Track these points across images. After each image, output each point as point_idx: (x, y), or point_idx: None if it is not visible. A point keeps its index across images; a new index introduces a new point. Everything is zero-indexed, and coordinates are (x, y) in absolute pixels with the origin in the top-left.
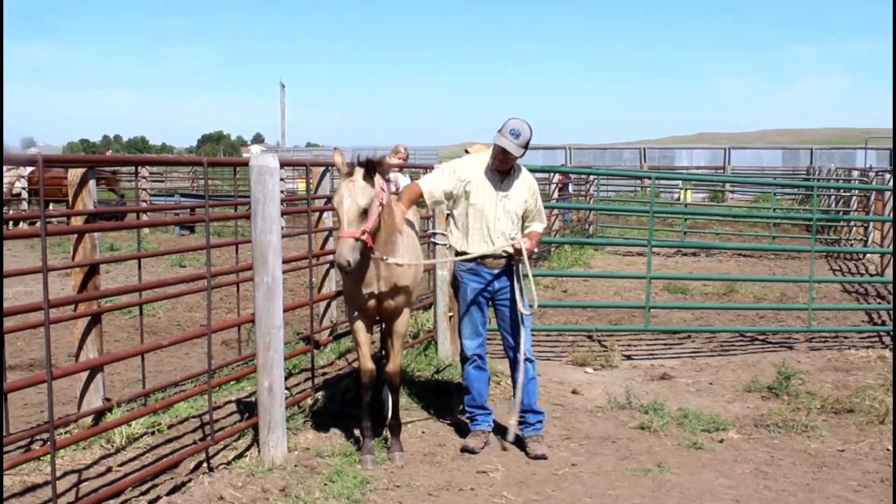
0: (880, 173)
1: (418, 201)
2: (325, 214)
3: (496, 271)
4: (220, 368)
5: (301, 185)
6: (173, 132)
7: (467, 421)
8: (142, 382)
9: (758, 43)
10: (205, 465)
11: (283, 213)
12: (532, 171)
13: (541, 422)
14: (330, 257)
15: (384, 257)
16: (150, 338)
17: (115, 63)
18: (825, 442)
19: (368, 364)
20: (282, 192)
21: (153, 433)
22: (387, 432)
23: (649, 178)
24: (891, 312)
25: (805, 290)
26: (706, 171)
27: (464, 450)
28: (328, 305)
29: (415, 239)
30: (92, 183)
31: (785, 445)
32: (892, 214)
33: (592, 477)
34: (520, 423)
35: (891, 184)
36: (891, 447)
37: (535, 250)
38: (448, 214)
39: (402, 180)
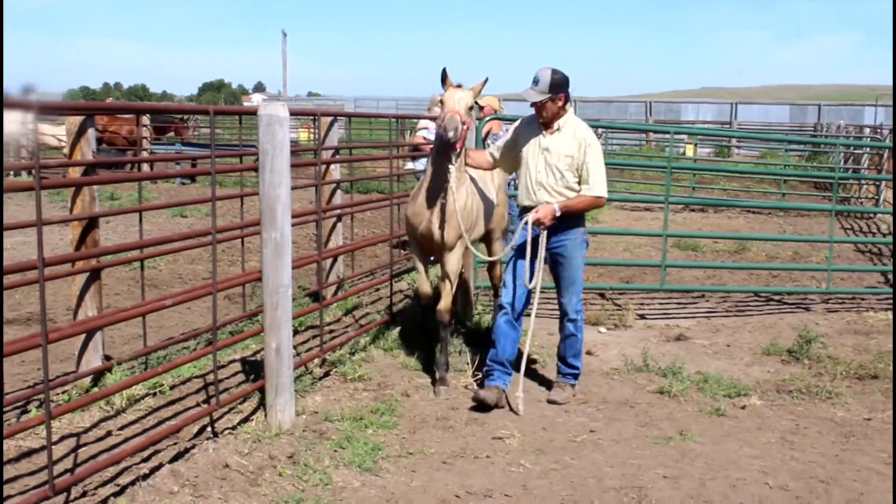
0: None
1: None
2: (332, 167)
3: (538, 228)
4: (224, 326)
5: (303, 135)
6: (174, 80)
7: (484, 375)
8: (143, 339)
9: None
10: (209, 429)
11: (292, 166)
12: None
13: (573, 375)
14: (338, 211)
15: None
16: (151, 291)
17: (116, 10)
18: (851, 410)
19: (424, 287)
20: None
21: (154, 394)
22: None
23: (667, 132)
24: None
25: (818, 249)
26: (713, 125)
27: (475, 399)
28: (335, 260)
29: (476, 194)
30: (91, 132)
31: (810, 413)
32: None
33: (612, 444)
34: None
35: None
36: None
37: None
38: None
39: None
